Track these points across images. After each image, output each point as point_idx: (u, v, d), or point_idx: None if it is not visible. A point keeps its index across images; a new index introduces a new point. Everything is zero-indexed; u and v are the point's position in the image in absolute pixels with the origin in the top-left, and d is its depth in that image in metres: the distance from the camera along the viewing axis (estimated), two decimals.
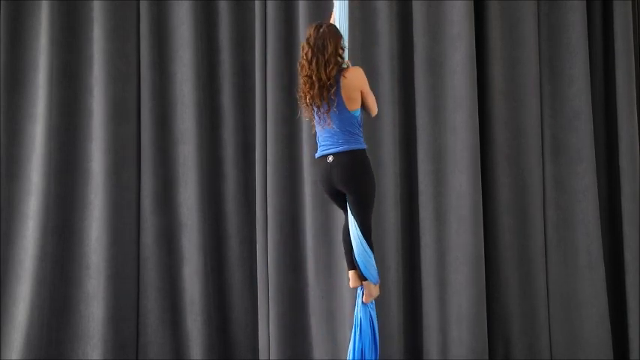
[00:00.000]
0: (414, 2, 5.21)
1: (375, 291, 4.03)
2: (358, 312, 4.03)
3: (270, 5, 5.35)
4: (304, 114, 3.97)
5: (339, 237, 5.15)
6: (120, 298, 5.42)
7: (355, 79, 3.86)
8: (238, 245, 5.51)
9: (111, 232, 5.43)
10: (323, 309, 5.22)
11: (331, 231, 5.24)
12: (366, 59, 5.19)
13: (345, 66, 3.91)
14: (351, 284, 4.09)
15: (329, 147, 3.87)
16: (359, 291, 4.05)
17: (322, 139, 3.91)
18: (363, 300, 4.00)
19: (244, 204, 5.52)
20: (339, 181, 3.86)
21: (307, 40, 3.81)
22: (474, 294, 4.97)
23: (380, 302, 4.98)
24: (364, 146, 3.91)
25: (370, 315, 4.01)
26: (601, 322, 5.05)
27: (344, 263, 5.11)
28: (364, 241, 3.91)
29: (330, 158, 3.84)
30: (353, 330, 4.03)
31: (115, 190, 5.46)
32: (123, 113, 5.53)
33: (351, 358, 3.98)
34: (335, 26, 3.90)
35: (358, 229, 3.91)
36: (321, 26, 3.81)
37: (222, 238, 5.54)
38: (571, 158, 5.19)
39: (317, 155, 3.95)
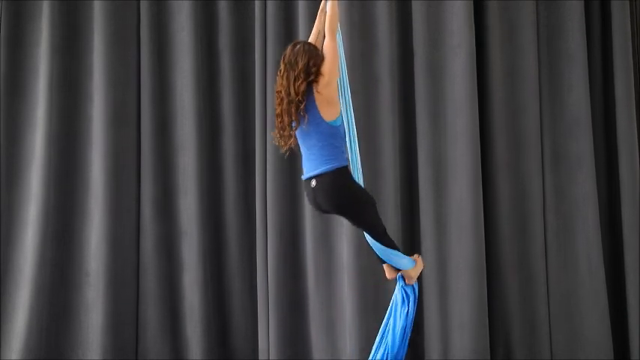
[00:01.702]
0: (414, 10, 5.21)
1: (415, 272, 3.87)
2: (397, 293, 3.85)
3: (270, 12, 5.36)
4: (275, 135, 3.78)
5: (339, 244, 5.19)
6: (119, 306, 5.41)
7: (327, 84, 3.67)
8: (238, 253, 5.50)
9: (110, 239, 5.42)
10: (323, 316, 5.21)
11: (331, 238, 5.24)
12: (366, 67, 5.20)
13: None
14: (388, 276, 3.94)
15: (310, 169, 3.72)
16: (398, 276, 3.89)
17: (304, 159, 3.77)
18: (407, 282, 3.86)
19: (244, 212, 5.51)
20: (326, 207, 3.75)
21: (283, 57, 3.75)
22: (475, 301, 4.97)
23: (381, 311, 4.97)
24: (345, 162, 3.70)
25: (415, 292, 3.86)
26: (601, 329, 5.05)
27: (344, 271, 5.14)
28: (385, 248, 3.80)
29: (313, 182, 3.70)
30: (391, 312, 3.86)
31: (114, 197, 5.45)
32: (123, 120, 5.53)
33: (400, 335, 3.81)
34: (313, 45, 3.77)
35: (373, 239, 3.81)
36: (298, 44, 3.74)
37: (222, 246, 5.53)
38: (571, 165, 5.20)
39: (303, 177, 3.80)
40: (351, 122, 3.85)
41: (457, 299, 5.02)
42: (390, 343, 3.82)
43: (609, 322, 5.08)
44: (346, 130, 3.81)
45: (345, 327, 5.12)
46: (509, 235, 5.15)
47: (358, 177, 3.83)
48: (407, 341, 3.84)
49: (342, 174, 3.68)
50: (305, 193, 3.84)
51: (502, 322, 5.14)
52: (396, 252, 3.83)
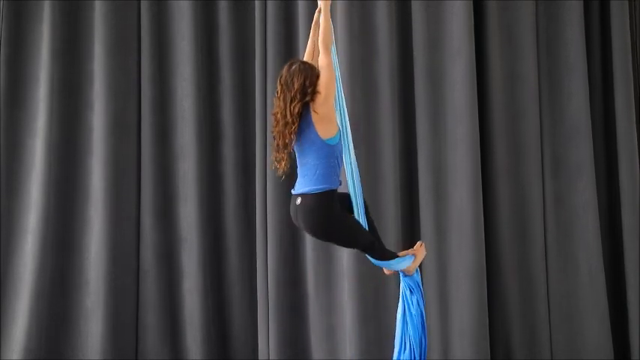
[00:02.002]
0: (414, 16, 5.23)
1: (413, 266, 3.84)
2: (403, 286, 3.87)
3: (270, 20, 5.38)
4: (273, 157, 3.73)
5: (339, 252, 5.17)
6: (119, 314, 5.40)
7: (324, 100, 3.63)
8: (238, 260, 5.50)
9: (110, 247, 5.41)
10: (323, 323, 5.20)
11: (331, 246, 5.21)
12: (366, 73, 5.21)
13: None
14: (386, 272, 3.96)
15: (299, 186, 3.67)
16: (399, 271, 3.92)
17: (298, 174, 3.73)
18: (406, 274, 3.85)
19: (244, 219, 5.51)
20: (305, 229, 3.72)
21: (279, 78, 3.72)
22: (476, 306, 4.96)
23: (381, 317, 4.98)
24: (335, 185, 3.63)
25: (416, 281, 3.87)
26: (602, 335, 5.03)
27: (344, 277, 5.13)
28: (382, 260, 3.79)
29: (298, 200, 3.64)
30: (404, 305, 3.86)
31: (114, 204, 5.45)
32: (123, 128, 5.53)
33: (418, 323, 3.82)
34: (309, 64, 3.73)
35: (367, 255, 3.79)
36: (294, 64, 3.71)
37: (222, 254, 5.53)
38: (571, 173, 5.20)
39: (292, 191, 3.72)
40: (347, 131, 3.79)
41: (457, 305, 5.01)
42: (412, 335, 3.81)
43: (609, 328, 5.06)
44: (342, 140, 3.76)
45: (345, 333, 5.10)
46: (510, 241, 5.15)
47: (355, 187, 3.77)
48: (426, 327, 3.85)
49: (326, 198, 3.61)
50: (290, 208, 3.76)
51: (502, 327, 5.13)
52: (392, 261, 3.80)
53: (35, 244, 5.44)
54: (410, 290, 3.87)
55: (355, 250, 4.96)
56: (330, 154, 3.65)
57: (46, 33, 5.55)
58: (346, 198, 3.80)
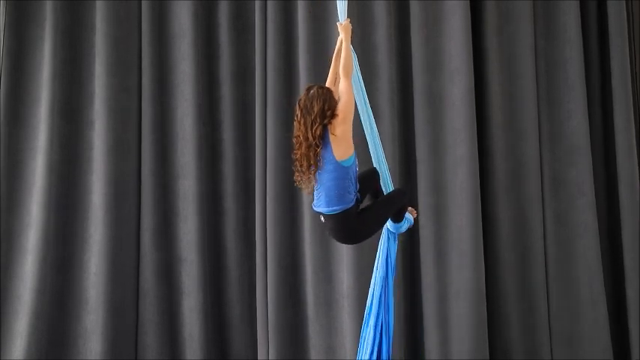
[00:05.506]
0: (412, 37, 5.25)
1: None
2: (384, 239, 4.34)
3: (270, 40, 5.40)
4: (297, 178, 3.94)
5: (339, 272, 5.18)
6: (118, 333, 5.39)
7: (341, 122, 3.83)
8: (238, 280, 5.50)
9: (110, 266, 5.41)
10: (323, 344, 5.19)
11: (331, 265, 5.23)
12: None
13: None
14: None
15: (318, 204, 3.92)
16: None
17: (315, 191, 3.94)
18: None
19: (244, 238, 5.52)
20: (339, 241, 4.07)
21: (298, 102, 3.89)
22: (475, 328, 4.94)
23: None
24: (351, 204, 3.85)
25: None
26: (604, 355, 5.01)
27: (344, 298, 5.13)
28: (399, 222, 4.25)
29: (322, 218, 3.93)
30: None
31: (114, 224, 5.45)
32: (123, 147, 5.55)
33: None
34: (326, 88, 3.91)
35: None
36: (311, 88, 3.88)
37: (222, 273, 5.53)
38: (571, 192, 5.20)
39: (313, 208, 3.98)
40: (373, 129, 4.17)
41: (457, 325, 5.00)
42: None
43: (611, 348, 5.04)
44: (370, 141, 4.15)
45: (346, 354, 5.09)
46: (510, 260, 5.14)
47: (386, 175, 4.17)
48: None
49: (345, 216, 3.86)
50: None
51: (502, 347, 5.11)
52: (403, 221, 4.29)
53: (35, 263, 5.43)
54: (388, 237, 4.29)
55: (355, 269, 5.02)
56: (344, 176, 3.85)
57: (47, 53, 5.57)
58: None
